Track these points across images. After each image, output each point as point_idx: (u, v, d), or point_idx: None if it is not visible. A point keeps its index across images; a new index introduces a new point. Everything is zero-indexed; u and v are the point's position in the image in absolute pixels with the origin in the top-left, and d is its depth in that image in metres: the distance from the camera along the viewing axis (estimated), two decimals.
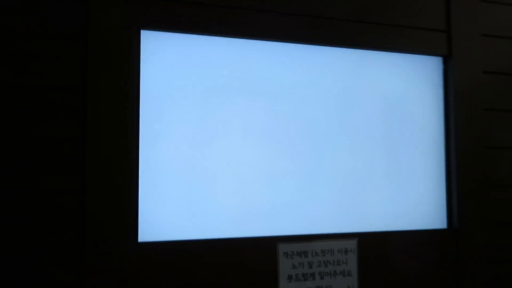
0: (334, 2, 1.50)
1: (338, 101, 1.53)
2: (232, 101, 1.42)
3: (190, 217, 1.35)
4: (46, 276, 1.20)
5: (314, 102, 1.50)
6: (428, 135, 1.63)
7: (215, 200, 1.38)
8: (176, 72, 1.37)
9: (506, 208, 1.65)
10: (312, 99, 1.50)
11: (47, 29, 1.24)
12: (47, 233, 1.20)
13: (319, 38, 1.48)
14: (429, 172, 1.62)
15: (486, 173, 1.63)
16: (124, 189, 1.25)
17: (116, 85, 1.27)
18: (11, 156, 1.19)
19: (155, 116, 1.34)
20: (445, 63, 1.65)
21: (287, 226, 1.44)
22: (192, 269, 1.31)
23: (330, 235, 1.46)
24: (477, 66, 1.64)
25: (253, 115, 1.44)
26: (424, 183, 1.61)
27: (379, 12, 1.55)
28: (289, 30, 1.45)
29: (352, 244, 1.47)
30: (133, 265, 1.25)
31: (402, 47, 1.58)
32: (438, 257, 1.56)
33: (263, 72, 1.46)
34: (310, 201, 1.47)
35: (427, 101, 1.64)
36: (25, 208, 1.19)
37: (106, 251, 1.23)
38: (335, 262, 1.45)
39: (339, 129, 1.53)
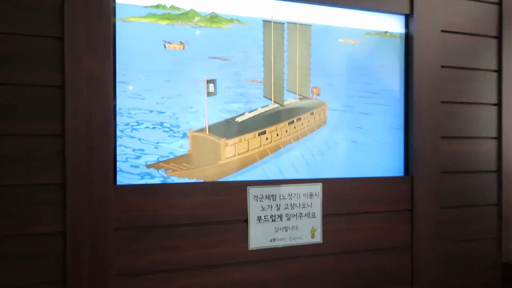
0: None
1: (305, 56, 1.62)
2: (201, 63, 1.49)
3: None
4: (25, 217, 1.27)
5: (281, 57, 1.59)
6: (389, 91, 1.75)
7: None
8: (150, 28, 1.43)
9: (453, 159, 1.81)
10: (279, 55, 1.59)
11: None
12: (28, 177, 1.27)
13: None
14: (390, 124, 1.74)
15: (440, 126, 1.76)
16: (103, 134, 1.32)
17: (92, 36, 1.31)
18: None
19: (130, 68, 1.40)
20: (407, 22, 1.75)
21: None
22: (166, 210, 1.40)
23: (296, 180, 1.58)
24: (436, 25, 1.75)
25: (221, 73, 1.51)
26: (384, 134, 1.74)
27: None
28: None
29: (317, 188, 1.60)
30: (111, 206, 1.34)
31: (366, 4, 1.67)
32: (395, 201, 1.71)
33: (231, 32, 1.52)
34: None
35: (389, 57, 1.74)
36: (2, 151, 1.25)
37: (86, 193, 1.31)
38: (301, 205, 1.58)
39: (303, 84, 1.62)
